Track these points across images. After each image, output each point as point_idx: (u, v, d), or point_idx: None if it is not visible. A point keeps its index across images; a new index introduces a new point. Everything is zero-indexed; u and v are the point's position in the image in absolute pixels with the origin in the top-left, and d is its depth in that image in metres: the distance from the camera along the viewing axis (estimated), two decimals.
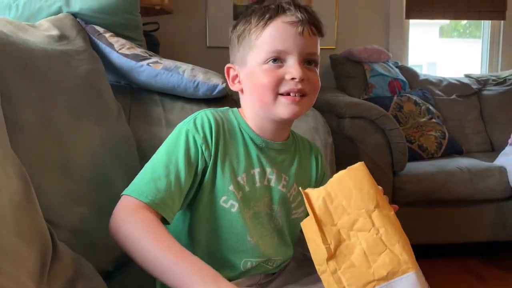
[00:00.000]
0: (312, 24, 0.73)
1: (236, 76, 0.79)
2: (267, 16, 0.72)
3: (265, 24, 0.72)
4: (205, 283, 0.58)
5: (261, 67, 0.73)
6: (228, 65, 0.80)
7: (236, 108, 0.82)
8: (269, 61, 0.72)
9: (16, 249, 0.53)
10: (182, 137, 0.72)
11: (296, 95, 0.72)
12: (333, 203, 0.62)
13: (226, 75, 0.80)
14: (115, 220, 0.66)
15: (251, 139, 0.78)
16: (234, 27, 0.78)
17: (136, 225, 0.64)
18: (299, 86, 0.72)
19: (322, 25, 0.76)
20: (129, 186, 0.69)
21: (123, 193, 0.68)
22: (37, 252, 0.57)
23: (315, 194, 0.63)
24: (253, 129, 0.78)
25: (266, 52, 0.72)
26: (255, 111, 0.77)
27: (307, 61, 0.74)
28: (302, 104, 0.73)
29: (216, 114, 0.77)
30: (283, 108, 0.73)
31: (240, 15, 0.79)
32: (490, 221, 1.88)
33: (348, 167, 0.64)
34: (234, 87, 0.80)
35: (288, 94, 0.72)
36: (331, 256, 0.61)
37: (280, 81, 0.72)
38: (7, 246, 0.51)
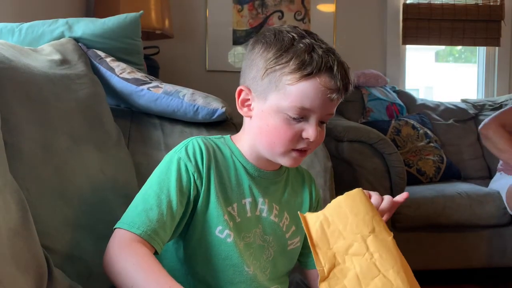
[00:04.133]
0: (345, 89, 0.71)
1: (247, 100, 0.75)
2: (308, 69, 0.67)
3: (302, 77, 0.68)
4: None
5: (280, 114, 0.70)
6: (241, 87, 0.75)
7: (228, 136, 0.80)
8: (291, 114, 0.70)
9: (11, 278, 0.52)
10: (174, 165, 0.71)
11: (304, 150, 0.73)
12: (330, 227, 0.64)
13: (236, 95, 0.75)
14: (108, 255, 0.65)
15: (244, 167, 0.76)
16: (262, 45, 0.72)
17: (128, 261, 0.62)
18: (310, 145, 0.73)
19: (352, 86, 0.72)
20: (121, 218, 0.68)
21: (115, 226, 0.67)
22: (32, 280, 0.57)
23: (313, 218, 0.65)
24: (247, 157, 0.77)
25: (292, 104, 0.69)
26: (256, 145, 0.75)
27: (322, 120, 0.73)
28: (304, 157, 0.75)
29: (207, 142, 0.75)
30: (289, 160, 0.73)
31: (265, 35, 0.72)
32: (489, 247, 1.87)
33: (346, 193, 0.66)
34: (242, 111, 0.76)
35: (298, 149, 0.73)
36: (324, 278, 0.61)
37: (297, 137, 0.71)
38: (2, 274, 0.51)
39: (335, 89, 0.69)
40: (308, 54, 0.68)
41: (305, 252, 0.85)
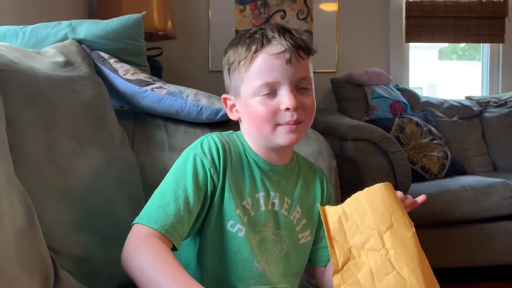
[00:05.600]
0: (299, 48, 0.73)
1: (233, 105, 0.80)
2: (253, 48, 0.72)
3: (252, 57, 0.72)
4: None
5: (254, 99, 0.73)
6: (224, 96, 0.81)
7: (240, 132, 0.82)
8: (262, 93, 0.73)
9: (17, 279, 0.52)
10: (190, 161, 0.73)
11: (293, 123, 0.73)
12: (348, 221, 0.64)
13: (223, 104, 0.82)
14: (126, 250, 0.66)
15: (255, 162, 0.78)
16: (224, 55, 0.79)
17: (145, 256, 0.63)
18: (295, 116, 0.72)
19: (310, 45, 0.75)
20: (139, 214, 0.69)
21: (134, 221, 0.68)
22: (38, 281, 0.57)
23: (332, 211, 0.66)
24: (257, 152, 0.79)
25: (257, 85, 0.72)
26: (255, 139, 0.78)
27: (299, 87, 0.74)
28: (299, 131, 0.75)
29: (222, 138, 0.77)
30: (282, 137, 0.74)
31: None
32: (499, 242, 1.86)
33: (366, 188, 0.67)
34: (232, 116, 0.81)
35: (284, 124, 0.73)
36: (337, 270, 0.62)
37: (276, 112, 0.73)
38: (9, 276, 0.51)
39: (284, 51, 0.71)
40: (250, 38, 0.74)
41: (313, 249, 0.85)
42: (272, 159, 0.79)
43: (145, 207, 0.70)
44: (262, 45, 0.72)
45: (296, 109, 0.72)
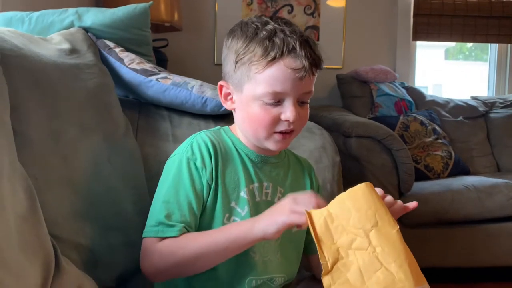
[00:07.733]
0: (314, 66, 0.72)
1: (229, 94, 0.79)
2: (271, 55, 0.70)
3: (268, 63, 0.70)
4: (257, 223, 0.66)
5: (257, 102, 0.73)
6: (220, 82, 0.79)
7: (227, 127, 0.83)
8: (266, 100, 0.72)
9: (18, 264, 0.52)
10: (184, 166, 0.74)
11: (288, 132, 0.75)
12: (334, 222, 0.65)
13: (218, 90, 0.80)
14: (149, 264, 0.69)
15: (247, 155, 0.79)
16: (231, 39, 0.76)
17: (171, 250, 0.68)
18: (292, 126, 0.74)
19: (323, 62, 0.75)
20: (146, 227, 0.72)
21: (143, 235, 0.71)
22: (39, 267, 0.57)
23: (317, 215, 0.66)
24: (246, 145, 0.80)
25: (265, 91, 0.72)
26: (246, 135, 0.79)
27: (301, 100, 0.75)
28: (290, 140, 0.77)
29: (211, 136, 0.78)
30: (274, 144, 0.76)
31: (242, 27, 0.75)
32: (501, 243, 1.85)
33: (349, 189, 0.67)
34: (226, 105, 0.80)
35: (280, 132, 0.75)
36: (327, 271, 0.63)
37: (276, 121, 0.73)
38: (10, 261, 0.51)
39: (302, 68, 0.71)
40: (270, 40, 0.71)
41: (305, 240, 0.86)
42: (262, 151, 0.80)
43: (150, 218, 0.72)
44: (282, 55, 0.70)
45: (294, 121, 0.73)
